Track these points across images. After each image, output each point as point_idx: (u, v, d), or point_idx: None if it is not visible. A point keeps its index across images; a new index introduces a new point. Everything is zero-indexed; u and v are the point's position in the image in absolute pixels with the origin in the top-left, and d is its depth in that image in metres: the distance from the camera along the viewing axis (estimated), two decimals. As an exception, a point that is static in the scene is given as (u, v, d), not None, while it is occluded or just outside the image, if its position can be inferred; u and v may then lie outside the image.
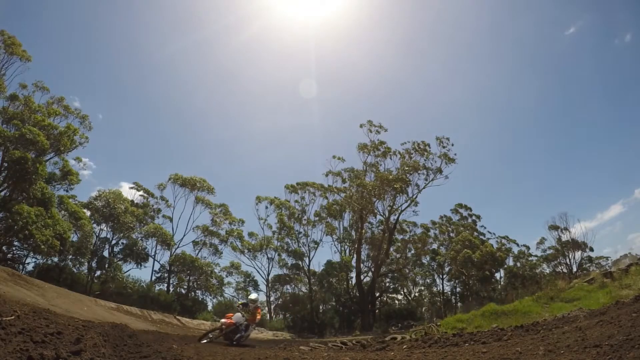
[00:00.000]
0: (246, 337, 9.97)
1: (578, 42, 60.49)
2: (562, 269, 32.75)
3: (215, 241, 30.44)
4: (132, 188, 30.95)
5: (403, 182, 29.20)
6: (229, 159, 64.17)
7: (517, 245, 36.90)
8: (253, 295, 10.81)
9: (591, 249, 32.67)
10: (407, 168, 29.71)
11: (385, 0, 62.99)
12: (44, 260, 22.66)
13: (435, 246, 35.50)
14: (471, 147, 61.23)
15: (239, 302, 10.85)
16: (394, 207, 30.42)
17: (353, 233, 32.75)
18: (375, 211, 30.91)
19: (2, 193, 21.14)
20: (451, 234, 35.63)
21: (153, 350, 4.32)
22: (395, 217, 30.91)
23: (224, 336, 9.54)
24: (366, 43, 64.26)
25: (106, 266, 26.21)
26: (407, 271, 34.19)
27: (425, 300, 36.18)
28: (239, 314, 9.75)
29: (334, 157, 32.70)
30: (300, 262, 31.16)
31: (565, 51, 60.55)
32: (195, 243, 30.02)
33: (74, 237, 24.31)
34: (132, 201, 29.38)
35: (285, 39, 63.35)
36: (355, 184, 30.50)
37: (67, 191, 25.20)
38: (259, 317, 10.52)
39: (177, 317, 21.65)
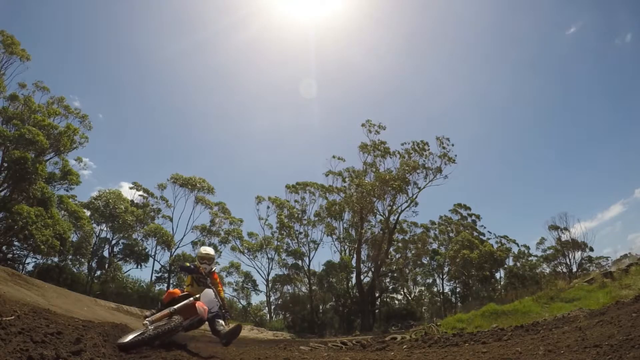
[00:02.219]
0: (232, 334, 5.20)
1: (578, 42, 60.47)
2: (562, 269, 32.72)
3: (215, 241, 30.47)
4: (132, 188, 31.02)
5: (402, 181, 29.21)
6: (229, 159, 64.17)
7: (517, 245, 36.94)
8: (209, 250, 6.01)
9: (591, 249, 32.64)
10: (407, 168, 29.72)
11: (385, 0, 63.02)
12: (44, 260, 22.68)
13: (435, 246, 35.53)
14: (471, 147, 61.23)
15: (186, 263, 5.87)
16: (394, 207, 30.46)
17: (353, 233, 32.76)
18: (375, 211, 30.93)
19: (2, 193, 21.15)
20: (451, 234, 35.65)
21: (153, 350, 4.32)
22: (395, 217, 30.95)
23: (166, 331, 4.51)
24: (366, 43, 64.28)
25: (106, 266, 26.23)
26: (407, 271, 34.21)
27: (425, 300, 36.18)
28: (210, 292, 5.22)
29: (334, 157, 32.75)
30: (300, 262, 31.18)
31: (565, 51, 60.52)
32: (194, 243, 30.05)
33: (74, 237, 24.34)
34: (132, 201, 29.39)
35: (285, 39, 63.38)
36: (355, 183, 30.52)
37: (67, 191, 25.27)
38: (222, 292, 5.80)
39: (177, 317, 21.60)
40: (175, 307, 4.87)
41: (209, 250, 5.99)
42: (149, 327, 4.52)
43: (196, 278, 5.67)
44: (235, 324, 5.36)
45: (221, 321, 5.24)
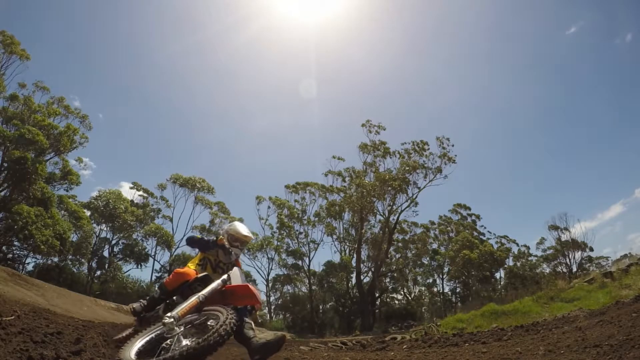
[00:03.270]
0: (272, 347, 3.45)
1: (578, 42, 60.34)
2: (562, 269, 32.70)
3: (215, 241, 30.44)
4: (132, 188, 31.04)
5: (402, 181, 29.23)
6: (229, 159, 64.11)
7: (517, 245, 36.95)
8: (248, 232, 4.07)
9: (591, 249, 32.63)
10: (407, 168, 29.73)
11: (385, 0, 63.00)
12: (44, 260, 22.69)
13: (435, 246, 35.55)
14: (471, 147, 61.12)
15: (196, 236, 3.97)
16: (394, 207, 30.45)
17: (353, 233, 32.76)
18: (375, 211, 30.93)
19: (2, 193, 21.16)
20: (451, 234, 35.66)
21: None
22: (395, 217, 30.96)
23: (213, 340, 2.38)
24: (366, 43, 64.21)
25: (106, 266, 26.24)
26: (407, 271, 34.21)
27: (425, 300, 36.20)
28: (239, 274, 3.42)
29: (333, 157, 32.73)
30: (300, 262, 31.20)
31: (565, 51, 60.43)
32: (195, 243, 30.02)
33: (74, 237, 24.34)
34: (132, 201, 29.40)
35: (285, 39, 63.37)
36: (355, 183, 30.53)
37: (67, 191, 25.27)
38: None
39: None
40: (204, 292, 3.01)
41: (249, 233, 4.08)
42: (177, 330, 2.66)
43: (215, 261, 3.84)
44: (279, 334, 3.58)
45: (251, 322, 3.57)
